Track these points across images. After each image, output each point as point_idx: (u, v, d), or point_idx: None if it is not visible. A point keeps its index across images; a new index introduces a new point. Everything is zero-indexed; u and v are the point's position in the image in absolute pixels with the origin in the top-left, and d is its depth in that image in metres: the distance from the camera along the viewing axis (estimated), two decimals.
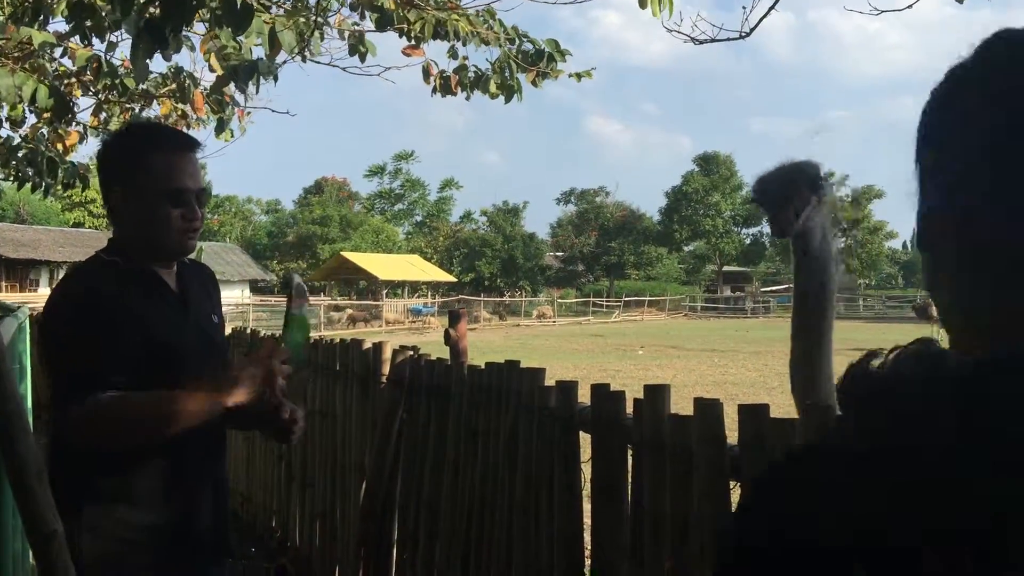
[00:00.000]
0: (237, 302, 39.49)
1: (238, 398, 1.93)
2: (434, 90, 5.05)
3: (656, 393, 2.13)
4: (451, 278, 55.50)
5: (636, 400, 2.22)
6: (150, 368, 1.96)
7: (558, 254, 68.98)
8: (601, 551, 2.34)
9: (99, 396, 1.87)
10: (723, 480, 1.88)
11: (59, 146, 5.71)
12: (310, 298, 2.31)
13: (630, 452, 2.28)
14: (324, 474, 4.58)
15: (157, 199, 2.03)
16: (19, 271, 45.72)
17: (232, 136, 6.34)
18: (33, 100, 4.18)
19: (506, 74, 4.77)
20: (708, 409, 1.92)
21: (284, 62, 5.04)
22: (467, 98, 5.07)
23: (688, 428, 1.97)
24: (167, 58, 3.74)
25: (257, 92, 4.50)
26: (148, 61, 3.39)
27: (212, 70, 4.47)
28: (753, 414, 1.81)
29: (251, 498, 5.92)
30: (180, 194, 2.04)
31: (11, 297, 30.24)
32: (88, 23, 4.19)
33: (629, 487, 2.26)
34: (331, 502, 4.50)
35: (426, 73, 5.02)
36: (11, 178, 6.55)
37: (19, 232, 47.46)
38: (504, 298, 52.84)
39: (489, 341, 25.57)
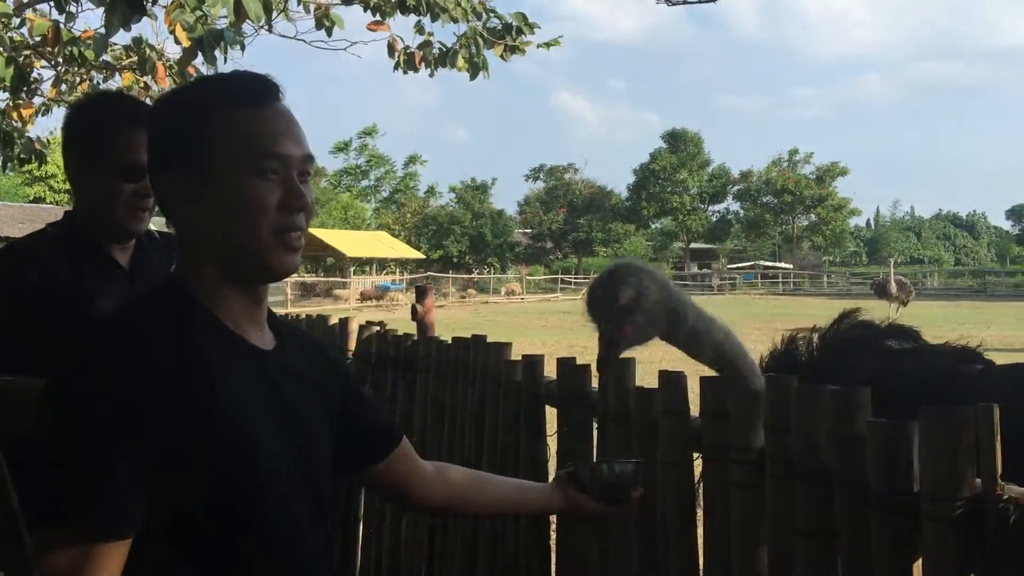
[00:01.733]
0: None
1: None
2: (396, 65, 5.00)
3: (621, 366, 2.14)
4: (419, 255, 55.28)
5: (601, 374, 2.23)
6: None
7: (526, 231, 68.92)
8: (566, 524, 2.36)
9: None
10: (687, 451, 1.91)
11: (15, 117, 5.59)
12: None
13: (595, 425, 2.30)
14: None
15: (111, 172, 1.95)
16: None
17: None
18: None
19: (472, 50, 4.75)
20: (672, 382, 1.93)
21: (252, 35, 4.97)
22: (431, 75, 5.03)
23: (653, 400, 1.99)
24: (128, 28, 3.67)
25: (225, 62, 4.42)
26: (124, 29, 3.32)
27: (177, 42, 4.40)
28: (716, 386, 1.83)
29: None
30: (135, 168, 1.92)
31: None
32: None
33: (594, 459, 2.27)
34: None
35: (391, 49, 4.97)
36: None
37: None
38: (473, 275, 52.78)
39: (458, 318, 25.57)
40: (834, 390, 1.50)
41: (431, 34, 4.88)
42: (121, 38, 5.79)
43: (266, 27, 5.12)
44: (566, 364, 2.40)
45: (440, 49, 4.86)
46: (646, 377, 2.13)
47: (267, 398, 1.28)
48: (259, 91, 1.29)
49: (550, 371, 2.55)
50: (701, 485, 1.89)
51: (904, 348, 2.34)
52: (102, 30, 5.17)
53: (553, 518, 2.47)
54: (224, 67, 4.73)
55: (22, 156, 5.96)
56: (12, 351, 1.86)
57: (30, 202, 54.82)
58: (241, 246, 1.26)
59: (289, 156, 1.27)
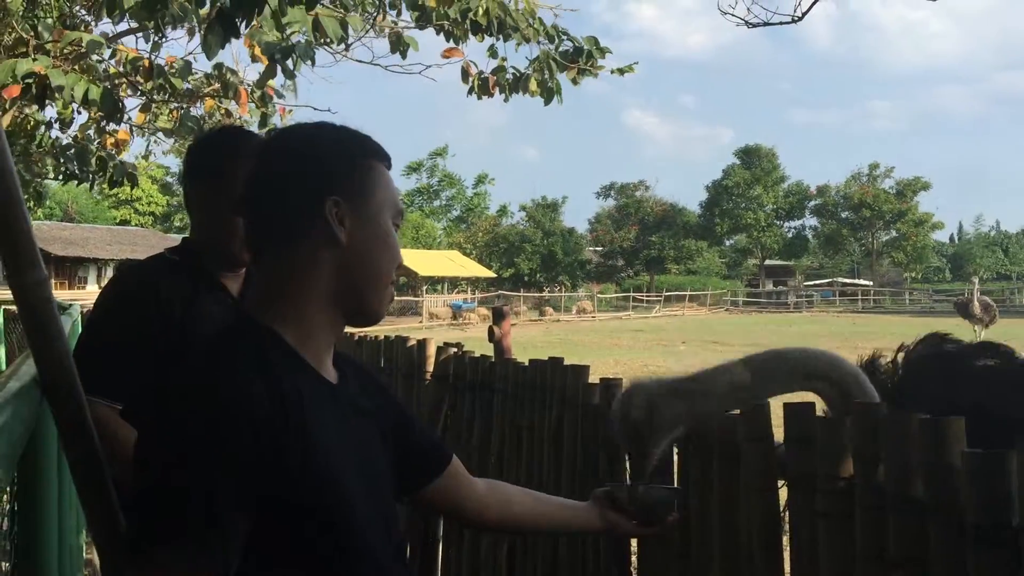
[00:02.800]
0: None
1: None
2: (471, 90, 5.07)
3: None
4: (491, 273, 55.60)
5: None
6: None
7: (597, 249, 68.79)
8: (648, 549, 2.34)
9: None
10: (771, 478, 1.88)
11: (110, 143, 5.84)
12: None
13: (676, 449, 2.28)
14: None
15: (230, 205, 2.01)
16: (68, 269, 46.67)
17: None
18: (86, 99, 4.29)
19: (545, 74, 4.79)
20: (755, 408, 1.91)
21: (331, 63, 5.09)
22: (505, 100, 5.09)
23: (736, 426, 1.97)
24: (223, 48, 3.78)
25: (295, 74, 4.52)
26: (220, 50, 3.45)
27: (254, 59, 4.54)
28: (800, 412, 1.81)
29: None
30: None
31: (60, 295, 30.84)
32: (149, 20, 4.28)
33: (675, 484, 2.26)
34: None
35: (465, 73, 5.05)
36: (60, 176, 6.71)
37: (67, 231, 48.44)
38: (544, 293, 52.82)
39: (529, 336, 25.60)
40: (925, 419, 1.47)
41: (504, 59, 4.94)
42: (202, 65, 5.99)
43: (344, 51, 5.25)
44: None
45: (514, 74, 4.91)
46: None
47: (344, 435, 1.29)
48: (386, 154, 1.39)
49: None
50: (787, 513, 1.86)
51: (995, 369, 2.26)
52: (189, 58, 5.37)
53: (634, 541, 2.45)
54: (300, 82, 4.82)
55: (115, 179, 6.22)
56: (120, 375, 1.90)
57: (116, 224, 56.86)
58: (370, 290, 1.33)
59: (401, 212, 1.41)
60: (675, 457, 2.27)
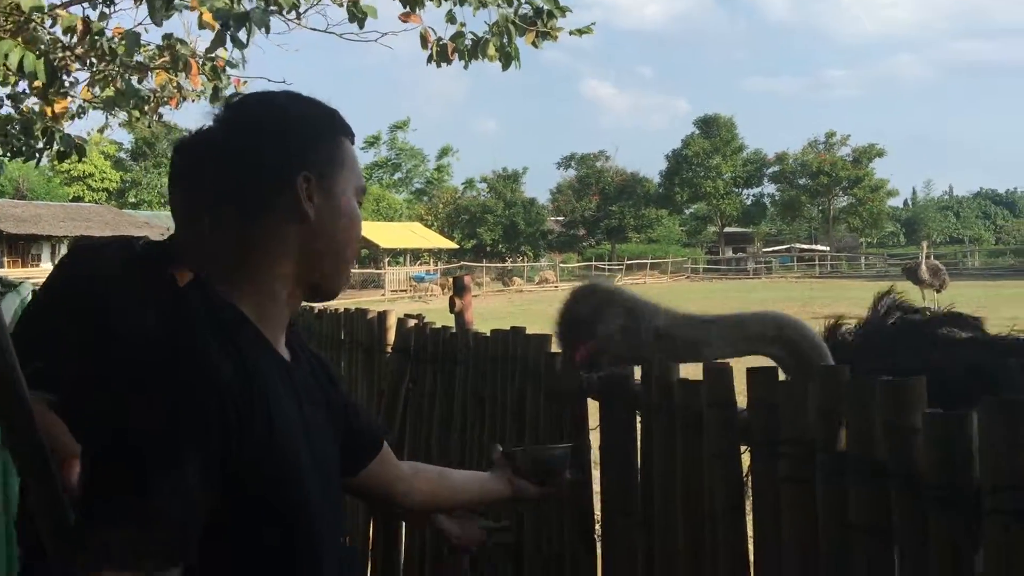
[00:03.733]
0: None
1: None
2: (430, 59, 4.98)
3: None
4: (453, 245, 55.45)
5: (643, 368, 2.20)
6: None
7: (559, 219, 68.83)
8: (611, 517, 2.34)
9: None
10: (734, 443, 1.87)
11: (48, 112, 5.65)
12: None
13: (639, 418, 2.27)
14: None
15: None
16: (21, 247, 45.68)
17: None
18: (21, 68, 4.13)
19: (504, 39, 4.72)
20: (717, 373, 1.90)
21: (286, 31, 4.97)
22: (465, 66, 5.01)
23: (698, 392, 1.96)
24: (162, 21, 3.65)
25: (248, 44, 4.40)
26: (166, 15, 3.32)
27: (202, 26, 4.39)
28: (763, 376, 1.80)
29: None
30: None
31: (14, 272, 30.25)
32: None
33: (639, 453, 2.25)
34: None
35: (423, 40, 4.96)
36: (7, 152, 6.51)
37: (20, 208, 47.33)
38: (506, 263, 52.80)
39: (492, 308, 25.58)
40: (887, 380, 1.46)
41: (463, 24, 4.86)
42: (153, 37, 5.82)
43: (297, 20, 5.13)
44: None
45: (472, 39, 4.83)
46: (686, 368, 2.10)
47: (298, 418, 1.25)
48: (351, 130, 1.37)
49: None
50: (749, 478, 1.86)
51: (956, 338, 2.28)
52: (137, 29, 5.21)
53: (597, 512, 2.44)
54: (249, 52, 4.72)
55: (61, 150, 6.04)
56: (51, 365, 1.82)
57: (69, 201, 55.68)
58: (332, 267, 1.33)
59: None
60: (637, 424, 2.26)
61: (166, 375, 1.07)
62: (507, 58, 4.72)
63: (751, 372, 1.81)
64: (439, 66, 4.97)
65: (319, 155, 1.29)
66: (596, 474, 2.46)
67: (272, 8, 4.16)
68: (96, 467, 1.05)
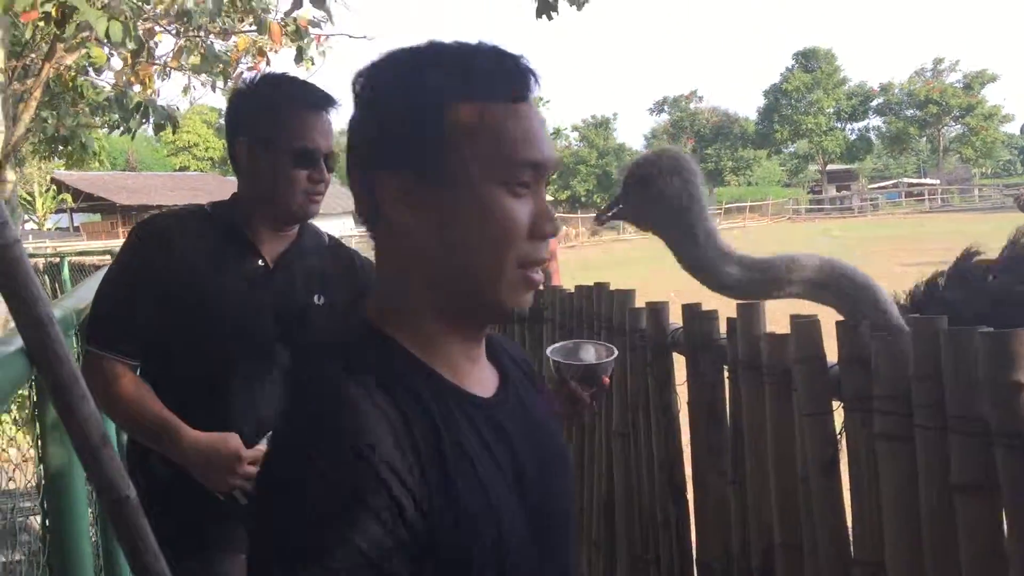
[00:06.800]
0: (340, 233, 40.19)
1: (194, 471, 1.84)
2: (539, 12, 4.81)
3: (749, 312, 2.02)
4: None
5: (729, 319, 2.11)
6: (190, 326, 1.88)
7: None
8: (702, 474, 2.28)
9: (97, 357, 1.85)
10: (826, 400, 1.78)
11: (134, 80, 5.77)
12: None
13: (726, 373, 2.19)
14: None
15: (283, 156, 1.88)
16: (133, 217, 47.56)
17: (312, 64, 6.30)
18: (107, 37, 4.20)
19: None
20: (805, 327, 1.81)
21: None
22: (578, 8, 4.85)
23: (785, 346, 1.87)
24: None
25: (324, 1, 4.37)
26: None
27: None
28: (853, 330, 1.70)
29: None
30: (309, 154, 1.88)
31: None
32: None
33: (728, 408, 2.17)
34: None
35: None
36: (105, 126, 6.72)
37: (131, 179, 49.27)
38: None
39: (586, 257, 25.45)
40: (988, 332, 1.35)
41: None
42: None
43: None
44: (692, 311, 2.29)
45: None
46: (778, 317, 2.01)
47: (495, 459, 0.98)
48: (514, 81, 0.99)
49: (675, 316, 2.45)
50: (843, 435, 1.76)
51: None
52: None
53: (688, 471, 2.38)
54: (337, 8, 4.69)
55: (158, 123, 6.18)
56: (129, 330, 1.88)
57: (175, 171, 57.74)
58: (478, 277, 0.98)
59: (543, 165, 1.00)
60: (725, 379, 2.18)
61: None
62: None
63: (841, 325, 1.71)
64: (551, 19, 4.81)
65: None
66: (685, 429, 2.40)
67: None
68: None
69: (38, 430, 1.58)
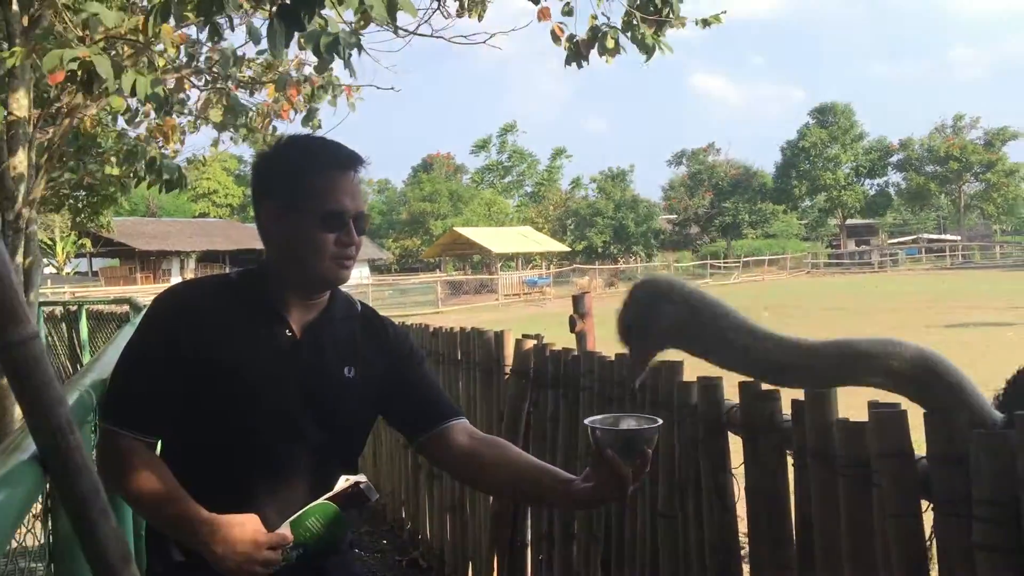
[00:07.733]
0: (357, 282, 40.29)
1: (209, 558, 1.69)
2: (568, 60, 4.74)
3: (820, 395, 1.86)
4: (564, 247, 55.19)
5: (795, 401, 1.95)
6: (211, 401, 1.77)
7: (672, 217, 67.75)
8: (760, 567, 2.10)
9: (112, 433, 1.74)
10: (913, 501, 1.61)
11: (159, 135, 5.75)
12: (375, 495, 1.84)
13: (790, 459, 2.02)
14: None
15: (310, 219, 1.78)
16: (152, 262, 47.96)
17: (320, 126, 6.30)
18: (133, 92, 4.15)
19: (641, 28, 4.46)
20: (889, 419, 1.64)
21: (404, 43, 4.87)
22: (608, 61, 4.78)
23: (864, 437, 1.71)
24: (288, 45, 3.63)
25: (346, 64, 4.35)
26: (285, 47, 3.29)
27: (301, 47, 4.35)
28: (946, 422, 1.54)
29: (377, 486, 5.89)
30: (338, 216, 1.78)
31: (145, 288, 31.72)
32: (205, 22, 4.14)
33: (792, 499, 2.00)
34: (459, 495, 4.38)
35: (555, 36, 4.76)
36: (131, 176, 6.70)
37: (150, 225, 49.78)
38: (619, 265, 52.25)
39: (607, 310, 25.26)
40: None
41: (595, 17, 4.64)
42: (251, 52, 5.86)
43: (391, 26, 5.05)
44: (751, 389, 2.12)
45: (598, 28, 4.60)
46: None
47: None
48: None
49: (730, 392, 2.29)
50: (933, 541, 1.59)
51: None
52: (243, 49, 5.22)
53: (746, 569, 2.20)
54: (357, 67, 4.67)
55: (167, 178, 6.12)
56: (148, 407, 1.77)
57: (196, 217, 58.28)
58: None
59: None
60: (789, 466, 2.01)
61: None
62: (646, 48, 4.43)
63: (931, 418, 1.55)
64: (579, 67, 4.74)
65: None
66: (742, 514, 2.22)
67: (382, 26, 4.07)
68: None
69: (50, 540, 1.43)
